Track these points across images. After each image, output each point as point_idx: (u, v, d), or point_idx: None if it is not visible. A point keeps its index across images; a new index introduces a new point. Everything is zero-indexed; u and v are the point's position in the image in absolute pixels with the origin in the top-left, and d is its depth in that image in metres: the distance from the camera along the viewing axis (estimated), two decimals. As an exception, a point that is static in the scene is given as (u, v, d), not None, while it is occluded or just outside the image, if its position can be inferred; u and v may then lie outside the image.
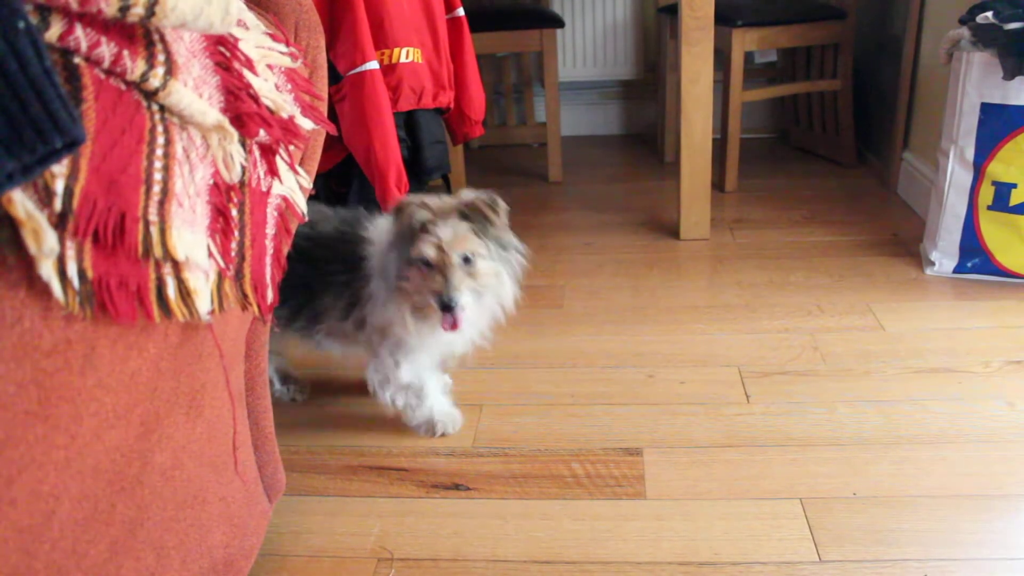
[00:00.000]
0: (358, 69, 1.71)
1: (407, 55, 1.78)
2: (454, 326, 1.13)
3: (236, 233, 0.70)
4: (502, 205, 1.19)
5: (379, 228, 1.25)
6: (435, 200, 1.16)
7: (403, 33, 1.77)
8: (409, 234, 1.14)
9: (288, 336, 1.34)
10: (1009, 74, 1.60)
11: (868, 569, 1.02)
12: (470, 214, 1.15)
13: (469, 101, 2.10)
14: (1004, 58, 1.60)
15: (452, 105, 2.02)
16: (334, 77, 1.73)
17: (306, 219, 0.87)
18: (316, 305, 1.27)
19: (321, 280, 1.25)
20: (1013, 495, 1.13)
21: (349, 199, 1.94)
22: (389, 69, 1.77)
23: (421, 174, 1.93)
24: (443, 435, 1.35)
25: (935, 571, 1.01)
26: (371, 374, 1.31)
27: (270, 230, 0.79)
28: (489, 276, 1.17)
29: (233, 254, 0.70)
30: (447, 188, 2.43)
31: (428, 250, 1.12)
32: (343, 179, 1.94)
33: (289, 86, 0.82)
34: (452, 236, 1.12)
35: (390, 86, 1.77)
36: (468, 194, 1.17)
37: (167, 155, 0.58)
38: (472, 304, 1.16)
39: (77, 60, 0.50)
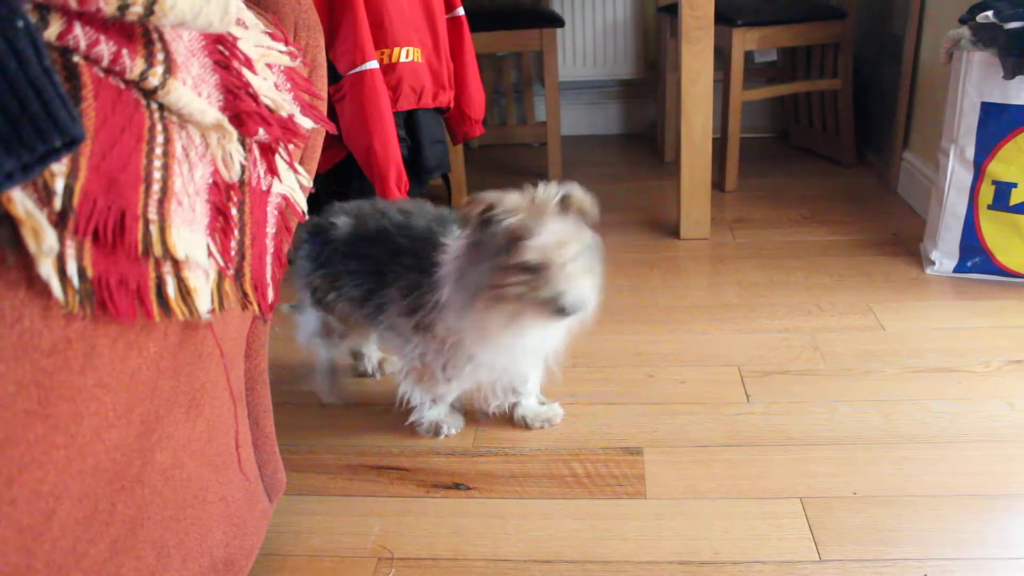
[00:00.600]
0: (358, 69, 1.71)
1: (407, 55, 1.78)
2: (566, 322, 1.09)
3: (236, 232, 0.70)
4: (590, 199, 1.12)
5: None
6: (521, 198, 1.07)
7: (403, 33, 1.77)
8: (504, 237, 1.04)
9: (356, 320, 1.33)
10: (1010, 73, 1.60)
11: (868, 568, 1.01)
12: (566, 209, 1.08)
13: (469, 100, 2.10)
14: (1004, 57, 1.60)
15: (452, 104, 2.02)
16: (333, 77, 1.73)
17: (306, 218, 0.87)
18: (383, 295, 1.24)
19: (393, 270, 1.22)
20: (1013, 495, 1.13)
21: (348, 199, 1.93)
22: (389, 68, 1.77)
23: (421, 173, 1.93)
24: (445, 436, 1.34)
25: (935, 570, 1.01)
26: (405, 366, 1.29)
27: (270, 229, 0.79)
28: (590, 278, 1.09)
29: (233, 253, 0.70)
30: (447, 188, 2.43)
31: (533, 254, 1.03)
32: (343, 178, 1.94)
33: (288, 85, 0.82)
34: (557, 237, 1.04)
35: (390, 85, 1.77)
36: (558, 188, 1.09)
37: (166, 154, 0.58)
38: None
39: (76, 59, 0.50)
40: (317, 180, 1.90)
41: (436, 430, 1.35)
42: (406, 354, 1.27)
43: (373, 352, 1.55)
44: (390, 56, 1.76)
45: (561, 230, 1.05)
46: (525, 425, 1.35)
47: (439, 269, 1.16)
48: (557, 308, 1.03)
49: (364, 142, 1.77)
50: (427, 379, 1.27)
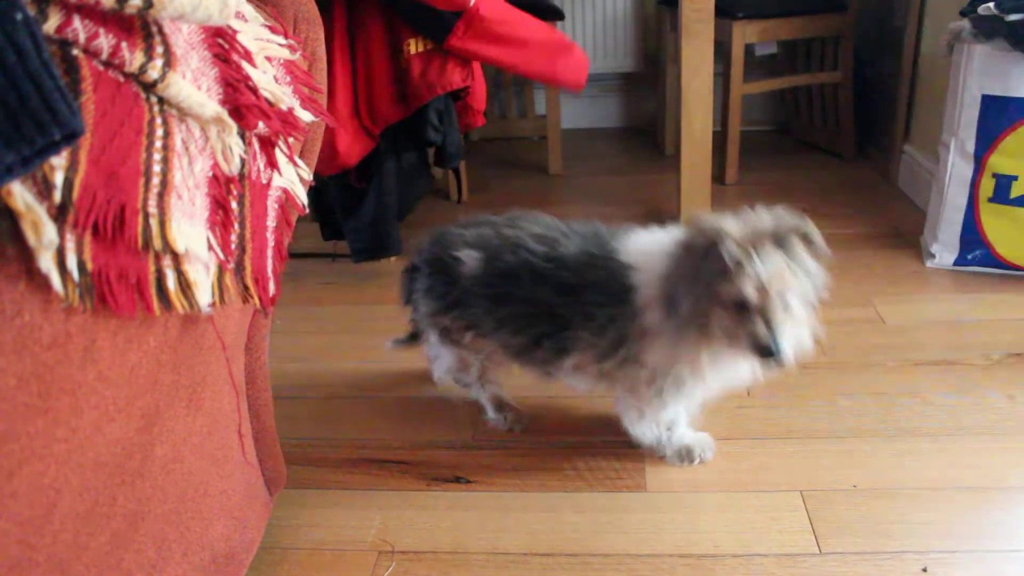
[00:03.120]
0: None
1: None
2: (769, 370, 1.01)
3: (236, 225, 0.70)
4: (816, 231, 1.02)
5: (642, 251, 1.10)
6: (741, 225, 0.98)
7: None
8: (718, 268, 0.96)
9: (515, 365, 1.25)
10: None
11: (868, 561, 1.02)
12: (783, 242, 0.98)
13: (473, 91, 2.09)
14: (1019, 47, 1.59)
15: (469, 83, 2.02)
16: (443, 26, 1.71)
17: (307, 211, 0.87)
18: (565, 337, 1.12)
19: (575, 311, 1.10)
20: (1013, 487, 1.13)
21: (367, 194, 1.92)
22: (423, 56, 1.77)
23: (446, 161, 1.94)
24: (700, 462, 1.22)
25: (935, 563, 1.01)
26: (625, 410, 1.19)
27: (271, 222, 0.79)
28: (803, 316, 1.01)
29: (233, 246, 0.70)
30: (457, 178, 2.42)
31: (749, 291, 0.95)
32: (363, 174, 1.93)
33: (288, 78, 0.81)
34: (772, 272, 0.95)
35: (456, 63, 1.78)
36: (775, 217, 1.00)
37: (166, 147, 0.58)
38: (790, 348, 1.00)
39: (75, 52, 0.50)
40: (334, 178, 1.88)
41: (689, 456, 1.22)
42: (617, 397, 1.19)
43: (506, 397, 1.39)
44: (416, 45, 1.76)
45: (780, 265, 0.96)
46: (688, 458, 1.23)
47: (636, 293, 1.06)
48: (765, 353, 0.97)
49: (541, 41, 1.78)
50: (648, 410, 1.16)
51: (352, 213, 1.94)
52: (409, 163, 1.94)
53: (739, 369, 1.07)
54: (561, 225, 1.20)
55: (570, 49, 1.83)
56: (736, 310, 0.97)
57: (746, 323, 0.97)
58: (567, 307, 1.11)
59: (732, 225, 0.97)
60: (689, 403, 1.17)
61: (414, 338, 1.40)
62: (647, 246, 1.10)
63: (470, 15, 1.69)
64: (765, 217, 1.00)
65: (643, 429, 1.19)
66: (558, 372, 1.18)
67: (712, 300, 0.98)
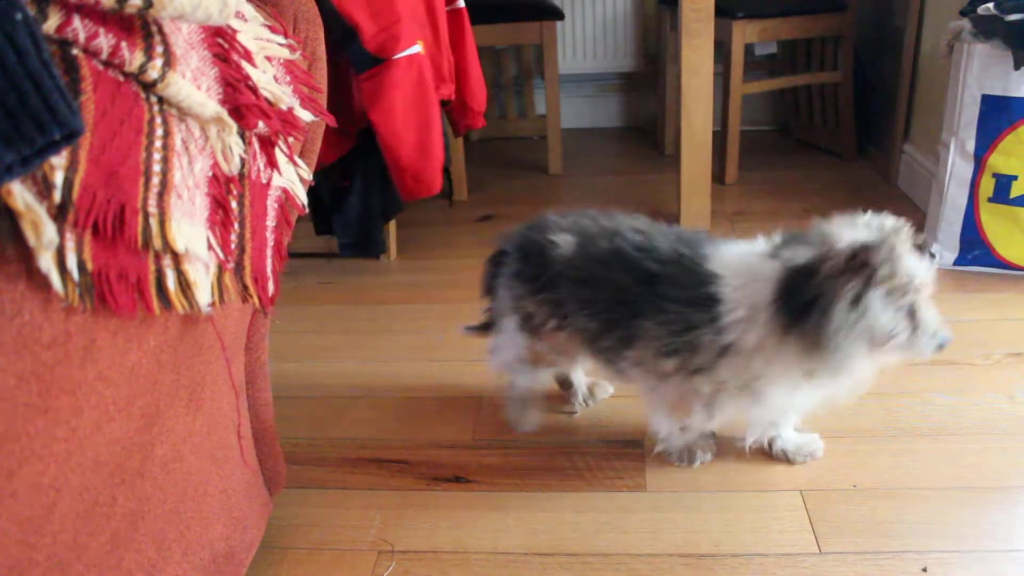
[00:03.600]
0: (406, 52, 1.70)
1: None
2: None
3: (236, 225, 0.70)
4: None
5: (732, 263, 1.05)
6: (873, 230, 0.99)
7: (410, 24, 1.76)
8: (883, 273, 0.95)
9: (586, 353, 1.21)
10: (1019, 64, 1.59)
11: (868, 561, 1.02)
12: (905, 239, 1.00)
13: (471, 92, 2.09)
14: (1015, 48, 1.59)
15: (453, 97, 2.01)
16: (366, 62, 1.71)
17: (306, 211, 0.87)
18: (632, 327, 1.09)
19: (647, 300, 1.08)
20: (1013, 487, 1.13)
21: (351, 193, 1.93)
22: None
23: None
24: (701, 464, 1.21)
25: (934, 563, 1.01)
26: (655, 403, 1.16)
27: (270, 222, 0.79)
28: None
29: (233, 246, 0.69)
30: (448, 180, 2.42)
31: (913, 294, 0.96)
32: (345, 172, 1.94)
33: (288, 78, 0.81)
34: (925, 272, 0.97)
35: None
36: (876, 220, 1.01)
37: (166, 147, 0.58)
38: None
39: (75, 51, 0.50)
40: (319, 174, 1.90)
41: (690, 457, 1.21)
42: (660, 391, 1.14)
43: (581, 380, 1.38)
44: None
45: (924, 264, 0.98)
46: (786, 459, 1.21)
47: (720, 306, 1.02)
48: (937, 346, 0.98)
49: (412, 137, 1.76)
50: (681, 412, 1.14)
51: (339, 209, 1.95)
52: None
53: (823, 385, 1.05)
54: (661, 225, 1.18)
55: (429, 172, 1.83)
56: (899, 311, 0.96)
57: (912, 322, 0.97)
58: (641, 295, 1.08)
59: (870, 231, 0.98)
60: (729, 417, 1.13)
61: (488, 327, 1.34)
62: (738, 259, 1.06)
63: (386, 68, 1.70)
64: (884, 221, 1.01)
65: (664, 423, 1.18)
66: (621, 364, 1.14)
67: (878, 307, 0.95)
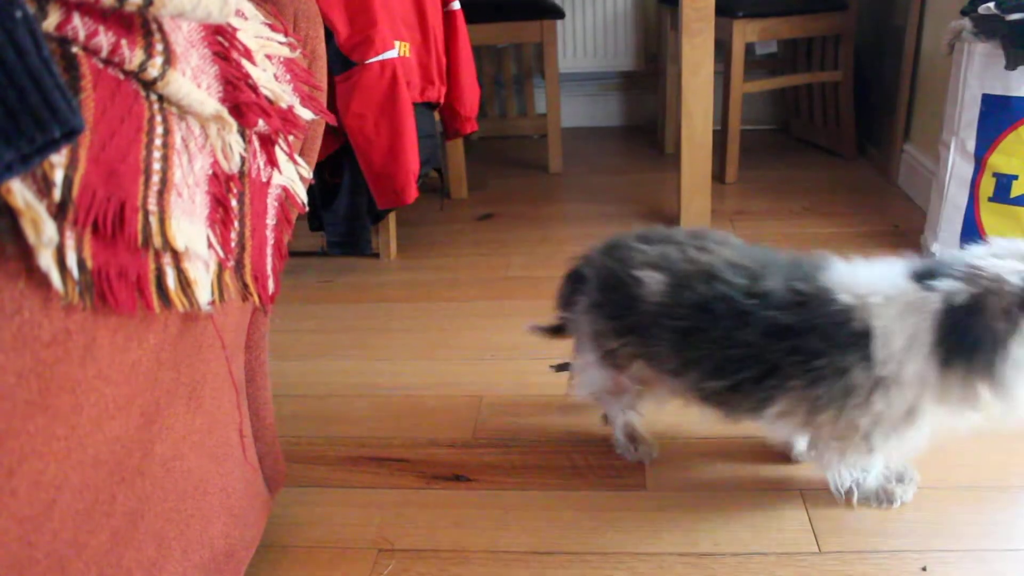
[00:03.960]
0: (380, 57, 1.70)
1: (397, 49, 1.77)
2: None
3: (236, 223, 0.70)
4: None
5: (868, 290, 0.97)
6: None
7: (391, 27, 1.76)
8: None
9: (680, 399, 1.12)
10: (1012, 64, 1.59)
11: (867, 560, 1.02)
12: None
13: (460, 98, 2.07)
14: (1007, 48, 1.60)
15: (442, 100, 2.01)
16: (343, 64, 1.71)
17: (306, 209, 0.87)
18: (771, 385, 1.00)
19: (786, 357, 0.98)
20: (1012, 487, 1.13)
21: (341, 190, 1.93)
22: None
23: None
24: (902, 504, 1.12)
25: (934, 562, 1.01)
26: (823, 455, 1.07)
27: (270, 220, 0.79)
28: None
29: (233, 244, 0.70)
30: (441, 180, 2.43)
31: None
32: (336, 169, 1.94)
33: (288, 76, 0.81)
34: None
35: None
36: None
37: (166, 145, 0.58)
38: None
39: (75, 49, 0.50)
40: (316, 168, 1.90)
41: (889, 498, 1.12)
42: (815, 440, 1.07)
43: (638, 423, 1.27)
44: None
45: None
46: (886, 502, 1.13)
47: (870, 340, 0.95)
48: None
49: (383, 142, 1.76)
50: (851, 454, 1.06)
51: (329, 206, 1.96)
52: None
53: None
54: (753, 250, 1.08)
55: (400, 180, 1.83)
56: None
57: None
58: (776, 352, 0.98)
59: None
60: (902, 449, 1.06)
61: (557, 331, 1.28)
62: (876, 287, 0.98)
63: (359, 72, 1.70)
64: (1016, 248, 0.94)
65: (840, 472, 1.09)
66: (754, 418, 1.06)
67: None
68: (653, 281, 1.05)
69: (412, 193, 1.83)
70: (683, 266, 1.05)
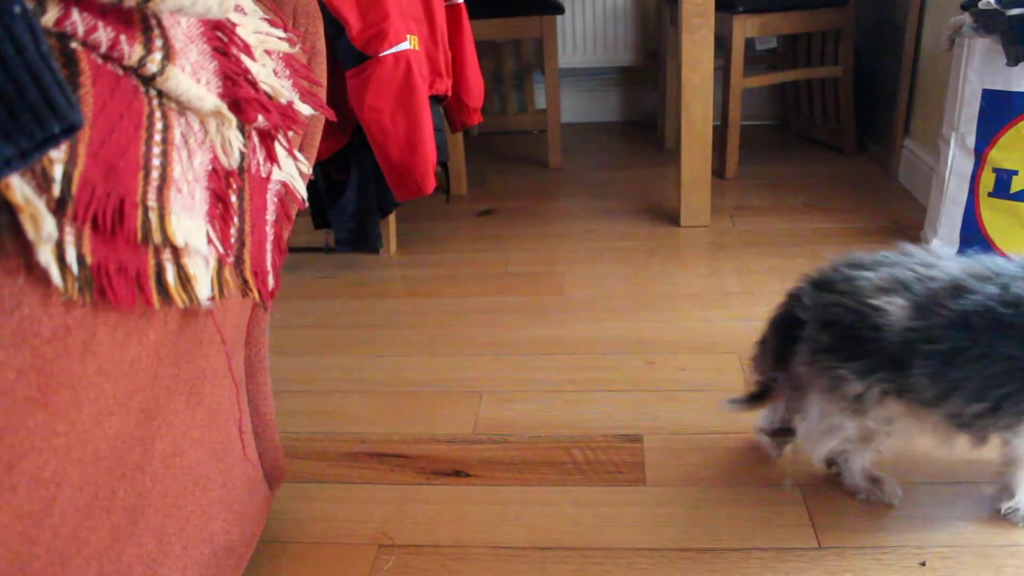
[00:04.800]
0: (394, 49, 1.70)
1: (408, 41, 1.77)
2: None
3: (235, 219, 0.69)
4: None
5: None
6: None
7: (400, 21, 1.76)
8: None
9: (969, 434, 1.01)
10: (1012, 60, 1.59)
11: (867, 555, 1.02)
12: None
13: (467, 89, 2.09)
14: (1007, 44, 1.59)
15: (450, 93, 2.01)
16: (356, 57, 1.71)
17: (306, 205, 0.87)
18: None
19: None
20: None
21: (348, 187, 1.93)
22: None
23: None
24: None
25: (934, 557, 1.01)
26: None
27: (270, 216, 0.79)
28: None
29: (233, 240, 0.69)
30: (446, 176, 2.42)
31: None
32: (342, 166, 1.94)
33: (287, 72, 0.81)
34: None
35: None
36: None
37: (165, 140, 0.58)
38: None
39: (74, 45, 0.50)
40: (317, 168, 1.90)
41: None
42: None
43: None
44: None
45: None
46: None
47: None
48: None
49: (400, 134, 1.75)
50: None
51: (336, 204, 1.96)
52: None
53: None
54: (969, 259, 1.00)
55: (420, 171, 1.83)
56: None
57: None
58: None
59: None
60: None
61: (760, 398, 1.17)
62: None
63: (373, 65, 1.69)
64: None
65: None
66: (1008, 436, 1.00)
67: None
68: (895, 307, 0.95)
69: (431, 183, 1.84)
70: (922, 285, 0.95)
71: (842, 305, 0.98)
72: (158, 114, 0.58)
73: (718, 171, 2.57)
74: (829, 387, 1.00)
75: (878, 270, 1.00)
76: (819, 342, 1.00)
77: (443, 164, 2.12)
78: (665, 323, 1.65)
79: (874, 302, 0.95)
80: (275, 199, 0.80)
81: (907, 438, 1.07)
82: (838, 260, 1.05)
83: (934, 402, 0.96)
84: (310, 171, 0.90)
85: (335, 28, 1.65)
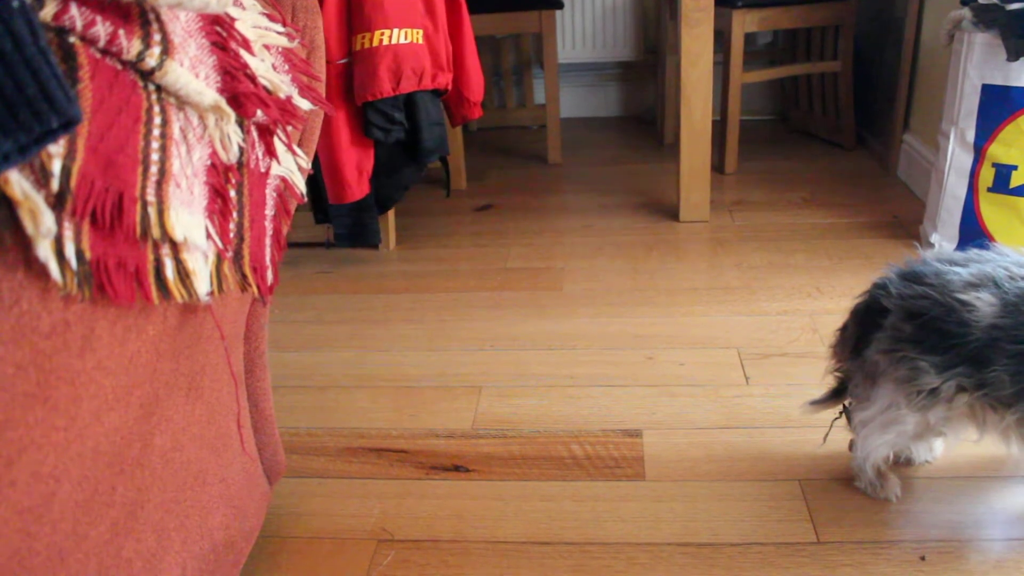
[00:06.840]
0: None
1: (407, 36, 1.77)
2: None
3: (234, 214, 0.69)
4: None
5: None
6: None
7: (402, 14, 1.76)
8: None
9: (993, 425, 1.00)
10: (1013, 55, 1.59)
11: (866, 550, 1.02)
12: None
13: (467, 83, 2.09)
14: (1007, 39, 1.59)
15: (450, 86, 2.01)
16: None
17: (305, 200, 0.87)
18: None
19: None
20: (1011, 477, 1.13)
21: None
22: (387, 50, 1.76)
23: (419, 156, 1.93)
24: None
25: (933, 552, 1.01)
26: None
27: (269, 211, 0.79)
28: None
29: (232, 235, 0.69)
30: (445, 170, 2.42)
31: None
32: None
33: (286, 66, 0.81)
34: None
35: (390, 68, 1.76)
36: None
37: (164, 135, 0.58)
38: None
39: (72, 39, 0.50)
40: (316, 163, 1.90)
41: None
42: None
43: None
44: (390, 37, 1.75)
45: None
46: None
47: None
48: None
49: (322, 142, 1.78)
50: None
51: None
52: (388, 153, 1.94)
53: None
54: None
55: (349, 180, 1.87)
56: None
57: None
58: None
59: None
60: None
61: (840, 393, 1.15)
62: None
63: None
64: None
65: None
66: None
67: None
68: (984, 303, 0.94)
69: (353, 191, 1.88)
70: (1013, 283, 0.94)
71: (929, 298, 0.97)
72: (157, 109, 0.57)
73: (717, 166, 2.57)
74: (905, 378, 0.99)
75: (969, 266, 0.99)
76: (901, 331, 0.99)
77: (443, 159, 2.12)
78: (664, 318, 1.65)
79: (962, 297, 0.95)
80: (274, 194, 0.80)
81: (956, 440, 1.06)
82: (929, 254, 1.05)
83: (1011, 401, 0.94)
84: (309, 166, 0.90)
85: None
